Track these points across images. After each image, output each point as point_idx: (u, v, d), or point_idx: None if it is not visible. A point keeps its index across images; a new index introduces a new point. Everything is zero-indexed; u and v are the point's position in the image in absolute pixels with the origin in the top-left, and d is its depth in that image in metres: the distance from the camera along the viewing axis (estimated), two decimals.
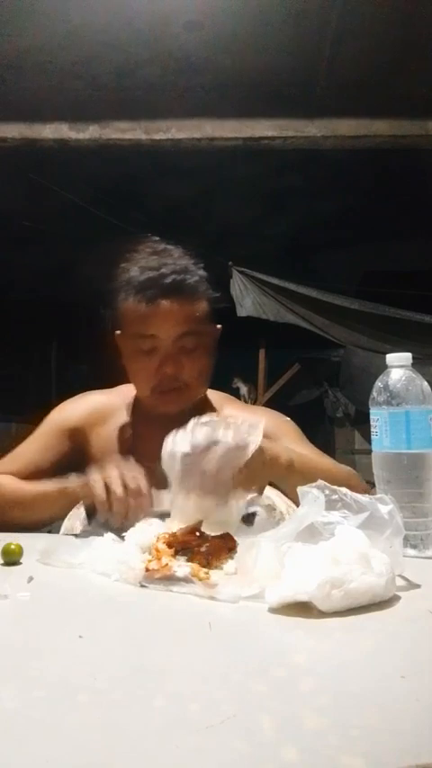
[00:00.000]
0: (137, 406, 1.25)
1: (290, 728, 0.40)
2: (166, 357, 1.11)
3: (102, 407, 1.26)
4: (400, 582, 0.69)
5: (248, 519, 0.91)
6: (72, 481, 1.07)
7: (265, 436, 1.21)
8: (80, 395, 1.31)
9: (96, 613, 0.66)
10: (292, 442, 1.19)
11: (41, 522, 1.05)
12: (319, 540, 0.67)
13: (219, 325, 1.22)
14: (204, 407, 1.23)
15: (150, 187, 4.92)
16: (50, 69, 3.22)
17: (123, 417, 1.24)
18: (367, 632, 0.58)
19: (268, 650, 0.55)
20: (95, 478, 0.97)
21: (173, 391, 1.13)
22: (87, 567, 0.78)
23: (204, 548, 0.76)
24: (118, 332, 1.19)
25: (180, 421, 0.98)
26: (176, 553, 0.77)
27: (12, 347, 6.86)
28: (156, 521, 0.88)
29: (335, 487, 0.73)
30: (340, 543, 0.65)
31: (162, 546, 0.77)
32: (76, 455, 1.21)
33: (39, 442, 1.23)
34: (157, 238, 1.19)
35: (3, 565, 0.83)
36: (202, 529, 0.81)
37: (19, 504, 1.09)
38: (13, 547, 0.83)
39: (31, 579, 0.75)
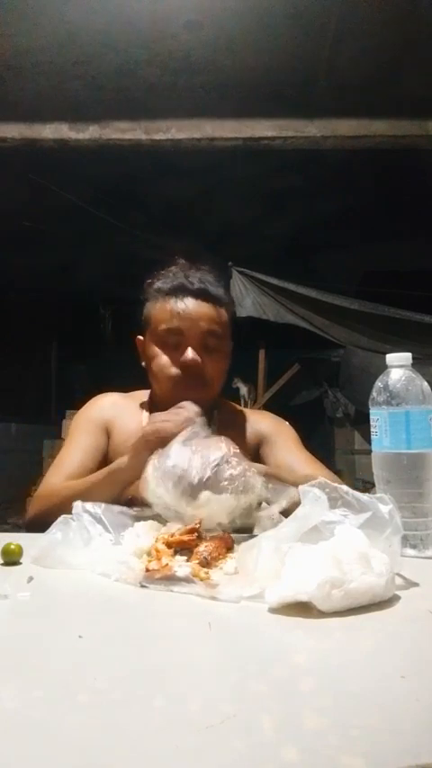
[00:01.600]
0: (152, 408, 1.31)
1: (290, 728, 0.40)
2: (191, 348, 1.22)
3: (123, 406, 1.34)
4: (399, 582, 0.69)
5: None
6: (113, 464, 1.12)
7: (262, 438, 1.27)
8: (101, 394, 1.39)
9: (96, 613, 0.66)
10: (285, 445, 1.27)
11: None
12: (318, 540, 0.67)
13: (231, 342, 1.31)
14: (212, 408, 1.31)
15: (150, 187, 4.92)
16: (50, 69, 3.22)
17: (140, 417, 1.31)
18: (367, 632, 0.58)
19: (268, 650, 0.55)
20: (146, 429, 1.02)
21: (193, 383, 1.21)
22: (87, 567, 0.78)
23: (203, 547, 0.76)
24: (140, 337, 1.30)
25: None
26: (175, 553, 0.77)
27: (12, 347, 6.87)
28: (152, 523, 0.88)
29: (335, 485, 0.73)
30: (340, 543, 0.65)
31: (161, 546, 0.77)
32: (105, 443, 1.28)
33: (81, 443, 1.27)
34: (183, 260, 1.32)
35: (3, 565, 0.83)
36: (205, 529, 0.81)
37: (75, 497, 1.10)
38: (12, 547, 0.83)
39: (30, 579, 0.75)
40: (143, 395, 1.37)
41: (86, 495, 1.06)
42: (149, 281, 1.30)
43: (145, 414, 1.31)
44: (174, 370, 1.22)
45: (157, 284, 1.27)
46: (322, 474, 1.20)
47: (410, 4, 2.88)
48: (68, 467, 1.23)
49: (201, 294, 1.24)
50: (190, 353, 1.21)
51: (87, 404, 1.38)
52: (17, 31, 2.96)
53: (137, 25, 2.94)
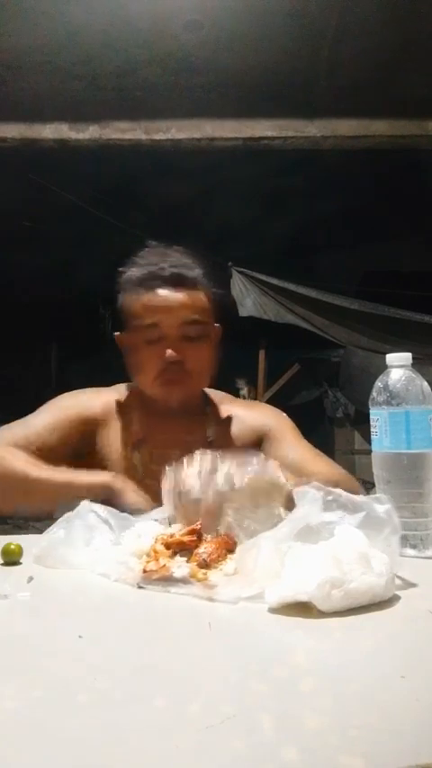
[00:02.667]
0: (138, 403, 1.26)
1: (290, 728, 0.40)
2: (170, 344, 1.14)
3: (111, 403, 1.26)
4: (399, 582, 0.69)
5: None
6: (83, 474, 1.07)
7: (263, 434, 1.24)
8: (86, 389, 1.30)
9: (96, 613, 0.66)
10: (289, 440, 1.23)
11: (41, 511, 1.00)
12: (319, 540, 0.67)
13: (217, 325, 1.24)
14: (204, 404, 1.28)
15: (150, 187, 4.92)
16: (50, 69, 3.22)
17: (128, 413, 1.25)
18: (367, 632, 0.58)
19: (268, 650, 0.55)
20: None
21: (176, 379, 1.15)
22: (87, 567, 0.78)
23: (203, 548, 0.76)
24: (117, 333, 1.23)
25: (182, 415, 1.10)
26: (175, 554, 0.77)
27: (12, 347, 6.86)
28: (153, 523, 0.88)
29: (330, 489, 0.73)
30: (340, 543, 0.65)
31: (160, 547, 0.76)
32: (83, 446, 1.21)
33: (53, 424, 1.19)
34: (156, 243, 1.23)
35: (3, 565, 0.83)
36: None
37: (21, 486, 1.06)
38: (12, 547, 0.83)
39: (30, 579, 0.75)
40: (127, 389, 1.29)
41: (34, 488, 1.04)
42: (122, 269, 1.22)
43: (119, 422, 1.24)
44: (155, 368, 1.15)
45: (129, 274, 1.19)
46: (330, 468, 1.19)
47: (410, 3, 2.88)
48: (32, 437, 1.15)
49: (174, 281, 1.15)
50: (170, 353, 1.13)
51: (74, 394, 1.28)
52: (17, 30, 2.95)
53: (137, 25, 2.94)
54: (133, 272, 1.18)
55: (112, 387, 1.31)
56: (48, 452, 1.14)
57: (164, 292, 1.15)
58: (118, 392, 1.29)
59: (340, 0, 2.83)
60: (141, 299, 1.16)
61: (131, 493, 1.05)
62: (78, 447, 1.20)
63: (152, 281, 1.15)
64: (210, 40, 3.06)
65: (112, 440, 1.22)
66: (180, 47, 3.10)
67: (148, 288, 1.15)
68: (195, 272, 1.18)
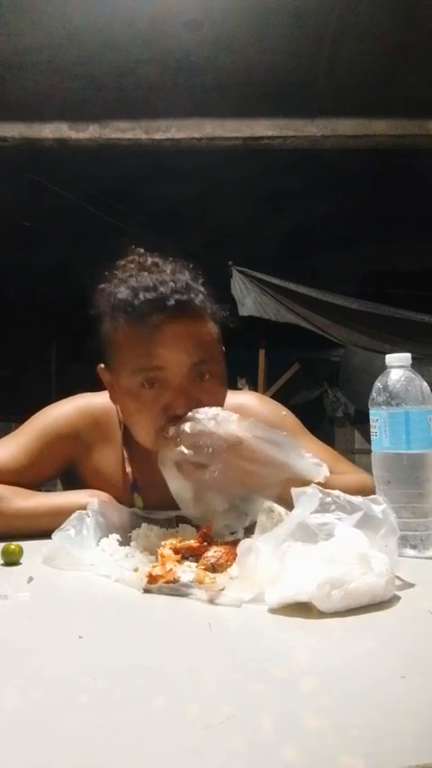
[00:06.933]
0: (128, 436, 1.10)
1: (290, 728, 0.40)
2: (179, 392, 0.90)
3: (100, 416, 1.12)
4: (399, 582, 0.69)
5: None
6: (64, 497, 1.03)
7: None
8: (73, 399, 1.16)
9: (96, 613, 0.66)
10: (301, 443, 1.09)
11: (22, 535, 0.95)
12: (318, 541, 0.67)
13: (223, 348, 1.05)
14: None
15: (150, 188, 4.93)
16: (50, 69, 3.22)
17: (117, 447, 1.12)
18: (367, 632, 0.58)
19: (268, 650, 0.55)
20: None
21: None
22: (93, 569, 0.78)
23: (212, 552, 0.76)
24: (101, 365, 1.02)
25: None
26: (184, 559, 0.76)
27: (12, 347, 6.87)
28: (156, 528, 0.88)
29: (327, 490, 0.73)
30: (340, 543, 0.65)
31: (168, 552, 0.76)
32: (65, 467, 1.13)
33: (27, 450, 1.08)
34: (142, 251, 1.00)
35: (3, 565, 0.83)
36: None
37: (2, 517, 1.00)
38: (13, 547, 0.83)
39: (30, 579, 0.75)
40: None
41: (15, 517, 0.99)
42: (104, 286, 0.98)
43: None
44: (157, 420, 0.91)
45: (116, 297, 0.93)
46: (355, 474, 1.12)
47: (411, 4, 2.88)
48: (9, 465, 1.06)
49: (180, 312, 0.89)
50: (180, 403, 0.89)
51: (55, 410, 1.14)
52: (17, 30, 2.96)
53: (137, 25, 2.94)
54: (124, 296, 0.92)
55: (103, 396, 1.10)
56: (27, 477, 1.06)
57: (168, 329, 0.89)
58: (107, 406, 1.10)
59: (340, 0, 2.83)
60: (139, 337, 0.90)
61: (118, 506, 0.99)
62: (60, 471, 1.13)
63: (152, 313, 0.89)
64: (210, 40, 3.06)
65: (102, 460, 1.12)
66: (180, 46, 3.11)
67: (148, 322, 0.89)
68: (201, 295, 0.94)
